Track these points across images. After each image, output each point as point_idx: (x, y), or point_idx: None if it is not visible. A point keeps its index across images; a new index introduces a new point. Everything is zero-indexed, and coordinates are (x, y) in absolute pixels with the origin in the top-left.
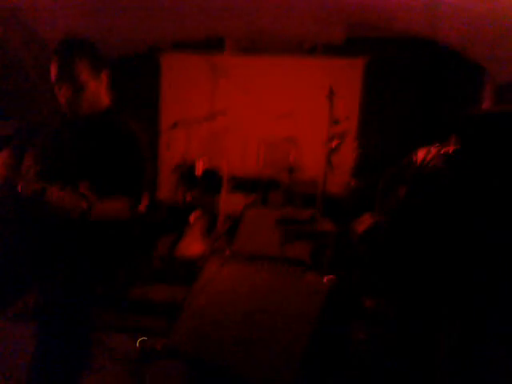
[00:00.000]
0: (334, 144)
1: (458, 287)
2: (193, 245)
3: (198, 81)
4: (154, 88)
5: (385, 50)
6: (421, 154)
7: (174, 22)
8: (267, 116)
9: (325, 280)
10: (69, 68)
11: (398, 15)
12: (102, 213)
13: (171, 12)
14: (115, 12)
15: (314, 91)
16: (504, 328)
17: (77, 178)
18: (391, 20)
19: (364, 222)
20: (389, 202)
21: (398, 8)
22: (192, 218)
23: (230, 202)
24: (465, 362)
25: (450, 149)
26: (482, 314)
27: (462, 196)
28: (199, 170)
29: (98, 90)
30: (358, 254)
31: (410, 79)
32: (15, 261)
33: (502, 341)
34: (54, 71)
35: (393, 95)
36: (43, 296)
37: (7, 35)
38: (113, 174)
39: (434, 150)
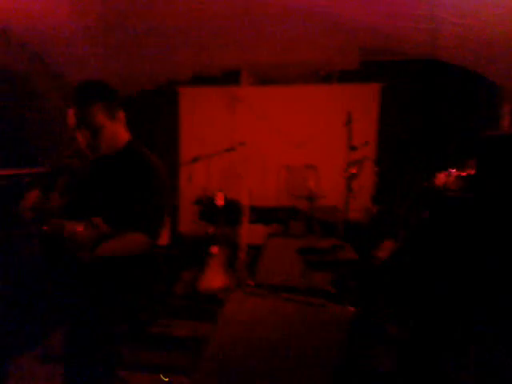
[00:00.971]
0: (353, 170)
1: (482, 312)
2: (215, 278)
3: (216, 113)
4: (173, 121)
5: (398, 73)
6: (441, 178)
7: (191, 56)
8: (286, 145)
9: (348, 310)
10: (84, 113)
11: (408, 38)
12: (120, 246)
13: (188, 46)
14: (136, 48)
15: (332, 118)
16: None
17: (97, 213)
18: (401, 43)
19: (386, 249)
20: (410, 227)
21: (408, 31)
22: (213, 250)
23: (251, 232)
24: None
25: (471, 172)
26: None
27: (485, 219)
28: (220, 201)
29: (116, 130)
30: (381, 281)
31: (426, 101)
32: (43, 300)
33: None
34: (71, 117)
35: (410, 119)
36: (68, 336)
37: (29, 75)
38: (130, 207)
39: (454, 173)
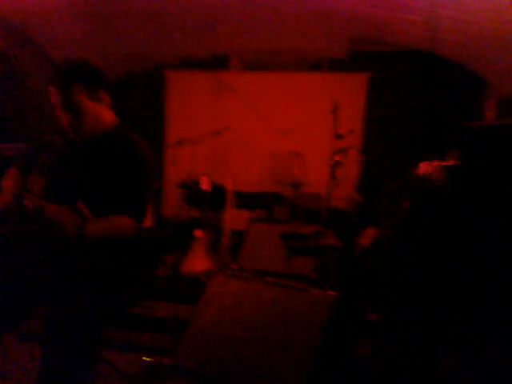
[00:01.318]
0: (337, 158)
1: (462, 299)
2: (198, 261)
3: (203, 97)
4: (159, 104)
5: (387, 64)
6: (423, 168)
7: (180, 40)
8: (272, 131)
9: (330, 294)
10: (66, 94)
11: (399, 29)
12: (107, 229)
13: (177, 30)
14: (124, 29)
15: (319, 106)
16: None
17: (82, 196)
18: (393, 34)
19: (368, 236)
20: (393, 215)
21: (399, 22)
22: (197, 234)
23: (234, 217)
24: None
25: (452, 162)
26: (487, 325)
27: (465, 208)
28: (204, 185)
29: (98, 112)
30: (362, 268)
31: (412, 93)
32: (21, 278)
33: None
34: (52, 97)
35: (396, 109)
36: (48, 314)
37: (14, 53)
38: (117, 191)
39: (436, 163)
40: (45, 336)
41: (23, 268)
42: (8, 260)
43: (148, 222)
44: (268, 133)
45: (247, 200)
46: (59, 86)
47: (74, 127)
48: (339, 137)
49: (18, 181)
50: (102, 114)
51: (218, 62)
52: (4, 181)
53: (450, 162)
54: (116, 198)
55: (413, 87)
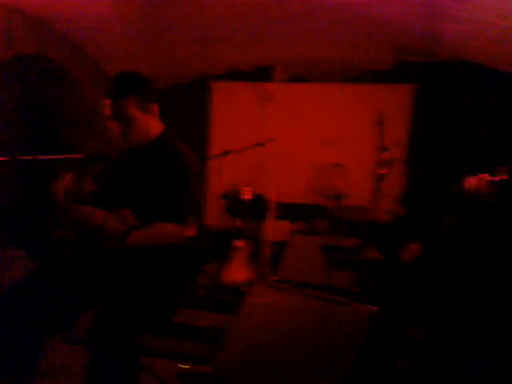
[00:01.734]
0: (382, 171)
1: (508, 317)
2: (238, 271)
3: (246, 108)
4: (203, 114)
5: (434, 74)
6: (470, 182)
7: (225, 51)
8: (315, 142)
9: (370, 309)
10: (118, 105)
11: (446, 39)
12: (152, 237)
13: (222, 41)
14: (170, 40)
15: (363, 117)
16: None
17: (128, 205)
18: (439, 44)
19: (411, 251)
20: (437, 230)
21: (446, 31)
22: (238, 244)
23: (276, 228)
24: None
25: (500, 177)
26: None
27: None
28: (247, 196)
29: (148, 122)
30: (405, 283)
31: (459, 104)
32: (68, 284)
33: None
34: (106, 109)
35: (442, 121)
36: (93, 320)
37: (72, 68)
38: (164, 199)
39: (484, 177)
40: (90, 341)
41: (69, 272)
42: (56, 264)
43: (193, 230)
44: (311, 144)
45: (289, 211)
46: (112, 97)
47: (125, 137)
48: (384, 149)
49: (74, 185)
50: (151, 124)
51: (261, 73)
52: (59, 185)
53: (499, 177)
54: (163, 206)
55: (460, 99)
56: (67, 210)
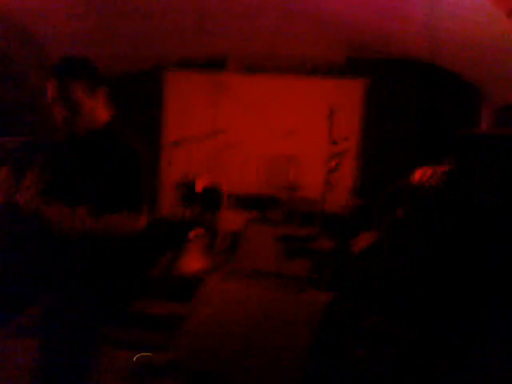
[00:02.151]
0: (333, 164)
1: (456, 301)
2: (193, 261)
3: (200, 98)
4: (156, 105)
5: (384, 71)
6: (418, 174)
7: (179, 40)
8: (268, 134)
9: (323, 297)
10: (64, 88)
11: (397, 37)
12: (107, 228)
13: (176, 31)
14: (122, 29)
15: (315, 110)
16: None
17: (77, 196)
18: (391, 42)
19: (363, 241)
20: (387, 220)
21: (397, 30)
22: (192, 234)
23: (230, 218)
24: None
25: (447, 168)
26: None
27: (459, 214)
28: (200, 186)
29: (95, 108)
30: (356, 272)
31: (408, 100)
32: (17, 275)
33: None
34: (50, 91)
35: (392, 116)
36: (44, 310)
37: (14, 50)
38: (113, 190)
39: (430, 169)
40: (42, 332)
41: (19, 266)
42: (3, 258)
43: (144, 220)
44: (265, 135)
45: (243, 202)
46: (57, 79)
47: (69, 123)
48: (334, 143)
49: (11, 179)
50: (98, 110)
51: (216, 64)
52: None
53: (445, 168)
54: (111, 194)
55: (409, 94)
56: (9, 205)
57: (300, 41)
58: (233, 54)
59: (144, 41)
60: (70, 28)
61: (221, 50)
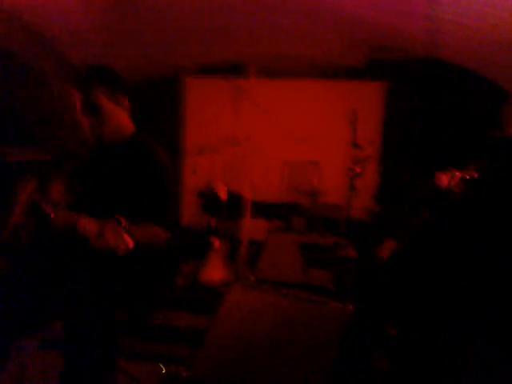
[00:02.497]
0: (357, 169)
1: (484, 314)
2: (215, 271)
3: (221, 104)
4: (177, 112)
5: (405, 72)
6: (444, 179)
7: (198, 47)
8: (290, 140)
9: (347, 308)
10: (87, 96)
11: (419, 37)
12: (139, 240)
13: (195, 37)
14: (142, 36)
15: (337, 115)
16: None
17: (107, 208)
18: (412, 42)
19: (387, 248)
20: (411, 227)
21: (418, 30)
22: (215, 243)
23: (252, 227)
24: None
25: (474, 174)
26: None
27: (487, 221)
28: (222, 194)
29: (121, 117)
30: (381, 281)
31: (432, 102)
32: (42, 288)
33: None
34: (77, 102)
35: (414, 118)
36: (69, 323)
37: (38, 61)
38: (144, 201)
39: (457, 174)
40: (67, 344)
41: (43, 276)
42: (26, 268)
43: (171, 231)
44: (285, 141)
45: (265, 210)
46: (81, 88)
47: (95, 131)
48: (357, 147)
49: (37, 192)
50: (123, 118)
51: (235, 70)
52: (21, 192)
53: (471, 174)
54: (142, 207)
55: (432, 97)
56: (33, 216)
57: (319, 44)
58: (252, 58)
59: (163, 47)
60: (91, 36)
61: (240, 55)
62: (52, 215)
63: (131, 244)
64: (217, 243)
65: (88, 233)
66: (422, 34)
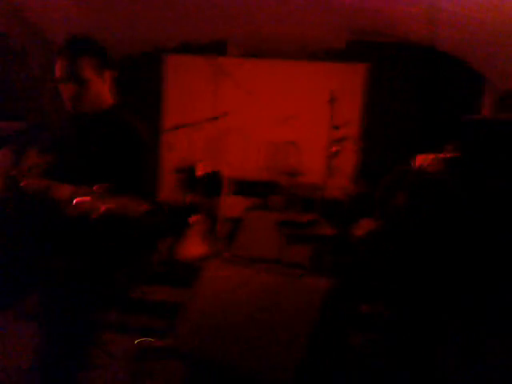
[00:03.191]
0: (334, 149)
1: (457, 290)
2: (193, 247)
3: (200, 83)
4: (157, 88)
5: (386, 55)
6: (420, 160)
7: (179, 24)
8: (269, 119)
9: (324, 281)
10: (73, 66)
11: (399, 21)
12: (117, 209)
13: (176, 14)
14: (122, 12)
15: (316, 96)
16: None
17: (81, 176)
18: (392, 26)
19: (363, 227)
20: (388, 207)
21: (399, 14)
22: (193, 219)
23: (230, 204)
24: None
25: (449, 154)
26: (482, 315)
27: (461, 200)
28: (200, 172)
29: (102, 89)
30: (356, 259)
31: (410, 85)
32: (17, 259)
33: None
34: (58, 69)
35: (393, 100)
36: (45, 295)
37: (11, 33)
38: (119, 172)
39: (432, 155)
40: (43, 316)
41: (21, 247)
42: (5, 240)
43: (146, 204)
44: (265, 120)
45: (243, 187)
46: (66, 57)
47: (76, 100)
48: (335, 127)
49: (11, 161)
50: (105, 91)
51: (216, 48)
52: None
53: (447, 155)
54: (118, 180)
55: (411, 79)
56: (10, 187)
57: (301, 25)
58: (233, 37)
59: (144, 24)
60: (68, 11)
61: (221, 33)
62: (24, 182)
63: (103, 208)
64: (195, 219)
65: (60, 198)
66: (411, 19)
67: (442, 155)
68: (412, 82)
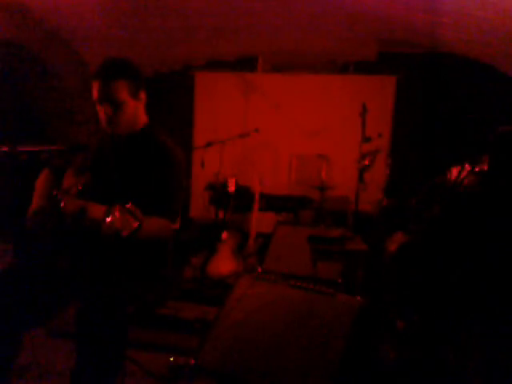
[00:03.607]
0: (366, 162)
1: (493, 307)
2: (224, 263)
3: (230, 98)
4: (187, 105)
5: (415, 65)
6: (454, 172)
7: (208, 40)
8: (299, 134)
9: (357, 300)
10: (109, 88)
11: (427, 31)
12: (147, 231)
13: (205, 31)
14: (152, 29)
15: (346, 109)
16: None
17: (115, 197)
18: (421, 36)
19: (396, 241)
20: (422, 220)
21: (427, 23)
22: (223, 236)
23: (261, 220)
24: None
25: (484, 167)
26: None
27: (497, 214)
28: (231, 187)
29: (136, 110)
30: (389, 274)
31: (441, 95)
32: (55, 276)
33: None
34: (95, 91)
35: (425, 112)
36: (79, 312)
37: (49, 56)
38: (152, 192)
39: (467, 167)
40: (76, 334)
41: (56, 265)
42: (42, 257)
43: (178, 223)
44: (296, 135)
45: (274, 203)
46: (102, 79)
47: (112, 122)
48: (367, 140)
49: (52, 182)
50: (139, 112)
51: (245, 63)
52: (37, 182)
53: (483, 167)
54: (150, 196)
55: (442, 89)
56: (51, 207)
57: (329, 38)
58: (262, 52)
59: (173, 41)
60: (100, 30)
61: (250, 49)
62: (62, 203)
63: (135, 225)
64: (225, 235)
65: (95, 217)
66: (425, 26)
67: (477, 167)
68: (443, 92)
